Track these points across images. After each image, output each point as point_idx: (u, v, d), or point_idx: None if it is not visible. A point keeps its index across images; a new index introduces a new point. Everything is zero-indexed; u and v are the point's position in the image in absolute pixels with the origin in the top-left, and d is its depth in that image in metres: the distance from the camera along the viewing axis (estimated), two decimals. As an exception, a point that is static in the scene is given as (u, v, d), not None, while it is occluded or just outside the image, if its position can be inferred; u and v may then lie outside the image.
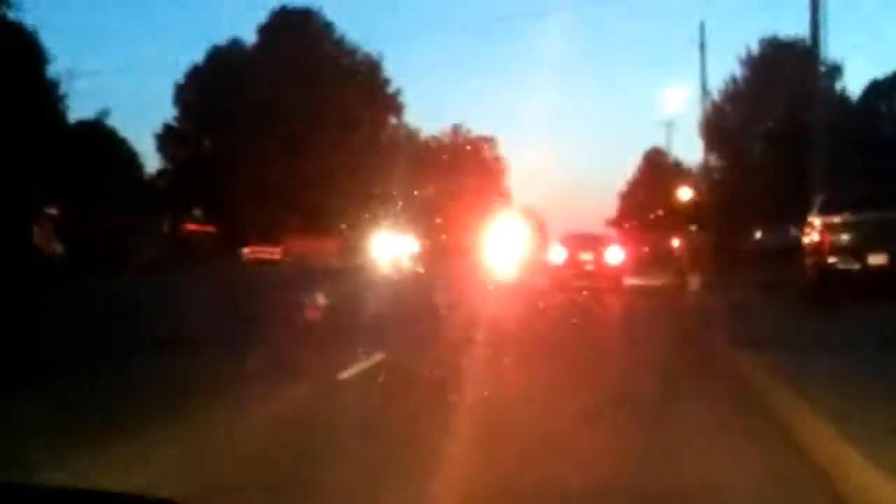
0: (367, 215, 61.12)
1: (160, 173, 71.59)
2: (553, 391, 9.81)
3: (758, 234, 46.90)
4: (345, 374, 10.55)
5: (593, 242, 32.11)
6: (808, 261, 21.64)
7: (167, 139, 72.79)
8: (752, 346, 11.86)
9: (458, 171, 77.55)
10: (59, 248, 41.85)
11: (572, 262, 31.05)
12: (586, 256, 31.00)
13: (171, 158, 72.55)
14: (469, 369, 11.42)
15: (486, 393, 9.70)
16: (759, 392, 9.41)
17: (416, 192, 68.39)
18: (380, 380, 10.71)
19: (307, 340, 13.90)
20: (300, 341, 13.77)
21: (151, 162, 71.65)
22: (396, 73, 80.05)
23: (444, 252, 49.06)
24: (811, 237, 21.61)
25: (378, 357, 11.83)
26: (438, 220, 64.83)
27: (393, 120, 78.02)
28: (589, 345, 14.31)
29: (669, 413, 8.47)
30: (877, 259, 19.48)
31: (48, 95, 44.27)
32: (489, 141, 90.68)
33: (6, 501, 2.18)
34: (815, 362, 10.36)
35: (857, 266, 19.69)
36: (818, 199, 22.52)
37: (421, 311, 19.23)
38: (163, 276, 33.62)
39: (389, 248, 52.33)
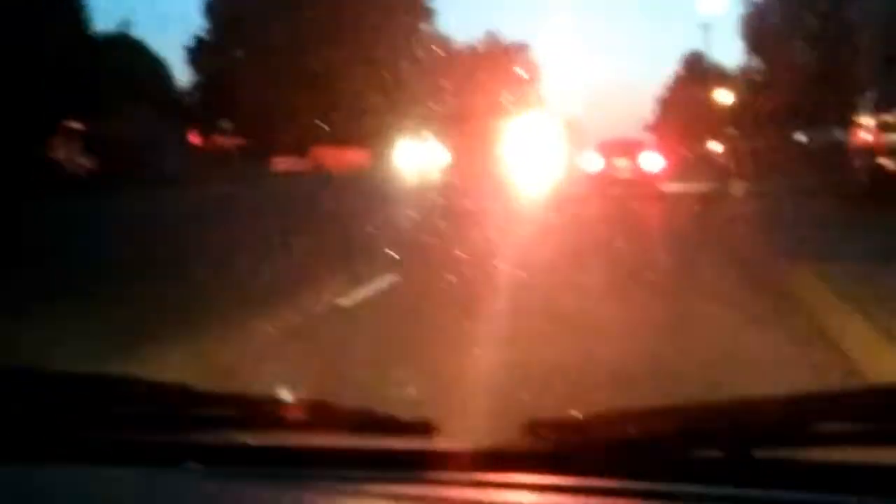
0: (397, 126, 60.22)
1: (192, 86, 71.08)
2: (581, 316, 8.79)
3: (801, 136, 45.67)
4: (346, 301, 9.59)
5: (630, 148, 31.12)
6: (857, 162, 20.65)
7: (197, 52, 72.15)
8: (801, 259, 10.99)
9: (491, 80, 76.36)
10: (85, 161, 41.34)
11: (609, 169, 30.14)
12: (623, 163, 30.06)
13: (201, 72, 71.92)
14: (491, 299, 10.09)
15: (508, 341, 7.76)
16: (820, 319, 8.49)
17: (447, 101, 67.40)
18: (381, 310, 9.62)
19: (314, 258, 12.83)
20: (304, 261, 12.69)
21: (182, 75, 71.04)
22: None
23: (474, 161, 48.05)
24: (861, 137, 20.59)
25: (387, 280, 10.91)
26: (469, 130, 63.78)
27: (423, 26, 76.85)
28: (625, 260, 13.30)
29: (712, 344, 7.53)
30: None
31: (70, 4, 43.27)
32: (523, 48, 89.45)
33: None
34: (873, 274, 9.47)
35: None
36: (867, 98, 21.44)
37: (444, 226, 18.27)
38: (183, 191, 32.87)
39: (418, 159, 51.50)
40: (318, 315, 8.95)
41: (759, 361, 6.84)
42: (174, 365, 6.56)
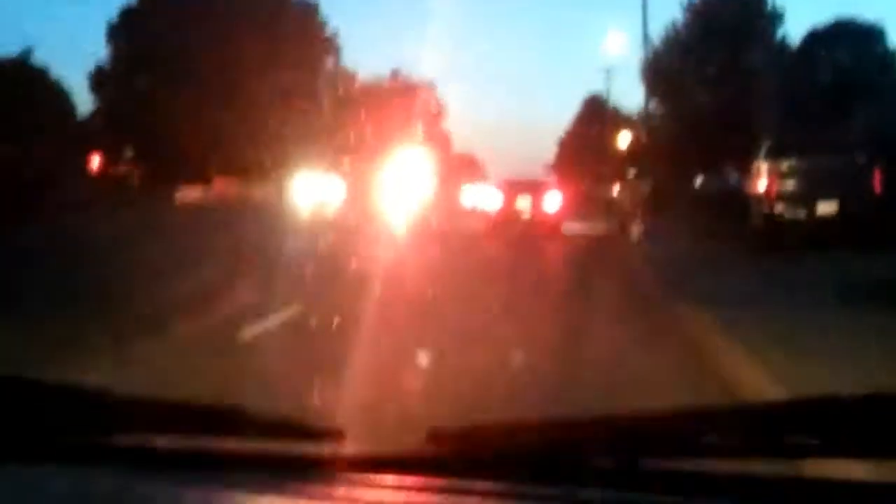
0: (299, 159, 60.03)
1: (95, 113, 70.13)
2: (476, 347, 8.78)
3: (698, 181, 46.36)
4: (247, 335, 9.46)
5: (531, 188, 31.33)
6: (754, 209, 21.00)
7: (99, 79, 71.26)
8: (694, 301, 11.15)
9: (395, 116, 76.50)
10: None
11: (509, 209, 30.29)
12: (523, 202, 30.26)
13: (103, 99, 71.02)
14: (391, 331, 10.01)
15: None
16: (703, 351, 8.64)
17: (350, 136, 67.35)
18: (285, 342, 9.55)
19: (215, 289, 12.65)
20: (206, 291, 12.51)
21: (84, 101, 70.19)
22: (333, 14, 78.51)
23: (374, 198, 48.01)
24: (757, 184, 20.95)
25: (290, 312, 10.83)
26: (369, 166, 63.84)
27: (329, 62, 76.84)
28: (522, 297, 13.34)
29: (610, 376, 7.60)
30: (826, 207, 18.81)
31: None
32: (428, 86, 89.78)
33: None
34: (761, 318, 9.64)
35: (804, 214, 19.03)
36: (764, 145, 21.83)
37: (342, 262, 18.09)
38: (81, 220, 32.24)
39: (317, 193, 51.28)
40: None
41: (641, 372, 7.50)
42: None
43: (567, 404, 6.38)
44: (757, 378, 7.01)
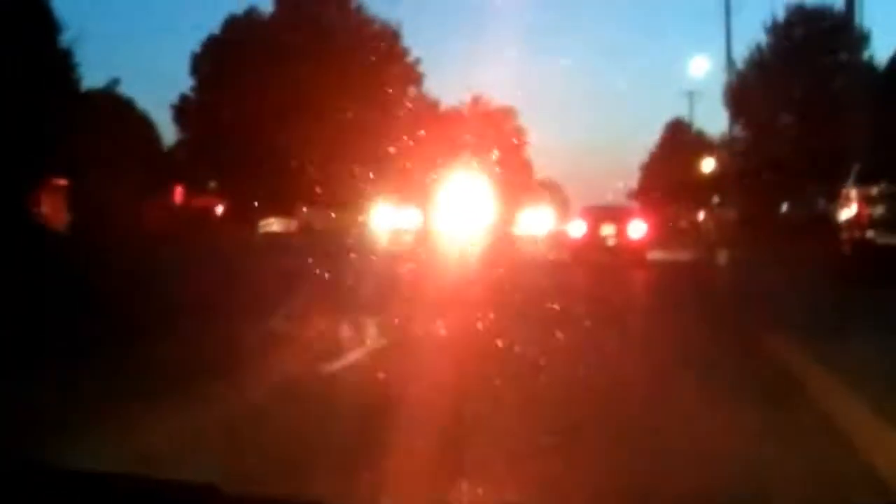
0: (383, 188, 60.26)
1: (178, 144, 71.06)
2: (559, 395, 8.60)
3: (784, 207, 45.83)
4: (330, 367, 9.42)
5: (614, 215, 31.12)
6: (844, 235, 20.66)
7: (183, 110, 72.22)
8: (788, 331, 10.92)
9: (477, 143, 76.56)
10: (67, 218, 41.22)
11: (593, 237, 30.12)
12: (607, 230, 30.05)
13: (187, 129, 71.97)
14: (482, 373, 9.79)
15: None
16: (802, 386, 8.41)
17: (434, 165, 67.46)
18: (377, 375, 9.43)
19: (298, 321, 12.62)
20: (289, 322, 12.47)
21: (169, 132, 71.09)
22: (415, 42, 78.79)
23: (455, 225, 48.02)
24: (847, 210, 20.61)
25: (376, 345, 10.80)
26: (456, 194, 63.87)
27: (412, 90, 77.12)
28: (611, 326, 13.18)
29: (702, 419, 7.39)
30: (919, 233, 18.44)
31: (61, 64, 43.49)
32: (509, 112, 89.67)
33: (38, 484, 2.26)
34: (856, 349, 9.43)
35: (896, 240, 18.66)
36: (854, 170, 21.46)
37: (432, 290, 18.04)
38: (162, 251, 32.60)
39: (400, 221, 51.49)
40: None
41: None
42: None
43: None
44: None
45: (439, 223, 50.11)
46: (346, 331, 11.90)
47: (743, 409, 7.22)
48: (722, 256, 27.80)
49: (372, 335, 11.92)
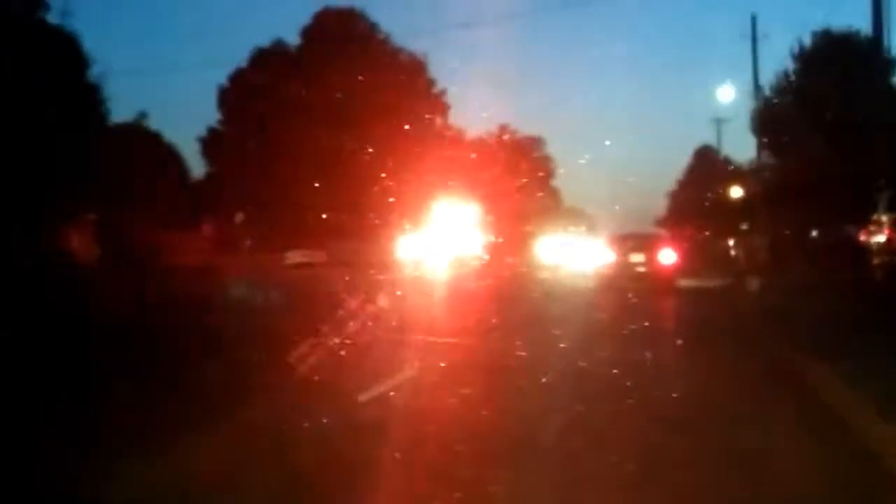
0: (406, 219, 60.31)
1: (206, 177, 71.26)
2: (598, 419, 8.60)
3: (815, 233, 45.49)
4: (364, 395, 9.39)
5: (644, 243, 31.06)
6: (875, 260, 20.53)
7: (210, 143, 72.46)
8: (824, 357, 10.80)
9: (503, 173, 76.55)
10: (97, 252, 41.32)
11: (623, 264, 30.02)
12: (637, 257, 29.96)
13: (214, 162, 72.17)
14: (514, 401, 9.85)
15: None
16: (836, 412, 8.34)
17: (457, 194, 67.48)
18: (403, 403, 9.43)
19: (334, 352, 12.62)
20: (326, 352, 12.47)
21: (197, 165, 71.35)
22: (441, 73, 78.58)
23: (491, 255, 48.01)
24: (878, 236, 20.50)
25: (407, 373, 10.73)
26: (484, 223, 63.86)
27: (438, 121, 77.09)
28: (644, 353, 13.10)
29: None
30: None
31: (89, 98, 43.80)
32: (536, 141, 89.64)
33: None
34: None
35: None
36: (884, 196, 21.37)
37: (466, 320, 17.97)
38: (190, 283, 32.62)
39: (428, 250, 51.48)
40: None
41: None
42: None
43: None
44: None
45: (465, 250, 50.09)
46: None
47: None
48: (753, 283, 27.58)
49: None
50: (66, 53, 40.82)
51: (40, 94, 36.67)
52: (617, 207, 65.96)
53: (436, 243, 53.86)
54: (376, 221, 60.89)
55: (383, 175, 63.30)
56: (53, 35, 39.83)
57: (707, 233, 66.06)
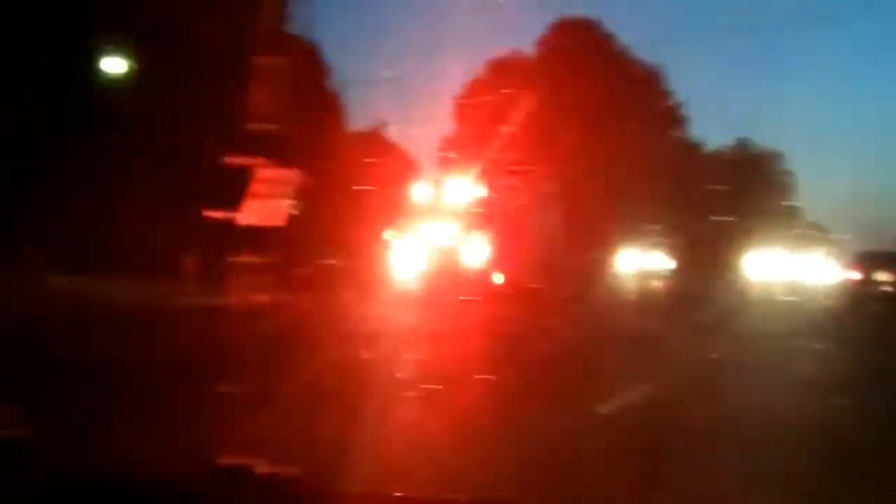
0: (645, 232, 59.74)
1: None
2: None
3: None
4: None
5: (893, 261, 29.66)
6: None
7: (445, 152, 73.21)
8: None
9: (743, 188, 74.93)
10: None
11: (867, 282, 28.83)
12: (884, 276, 28.66)
13: (448, 171, 72.87)
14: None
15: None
16: None
17: (692, 208, 66.48)
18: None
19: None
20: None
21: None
22: (678, 84, 77.31)
23: (712, 269, 47.22)
24: None
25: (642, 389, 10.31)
26: (716, 237, 62.72)
27: (674, 133, 75.88)
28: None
29: None
30: None
31: (330, 107, 45.20)
32: (776, 156, 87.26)
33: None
34: None
35: None
36: None
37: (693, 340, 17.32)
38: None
39: (646, 262, 51.04)
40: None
41: None
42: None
43: None
44: None
45: (695, 266, 49.37)
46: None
47: None
48: None
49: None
50: (313, 62, 42.39)
51: (294, 96, 38.06)
52: (859, 224, 63.39)
53: (657, 257, 53.31)
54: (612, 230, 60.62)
55: (609, 189, 62.96)
56: (296, 45, 41.32)
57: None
